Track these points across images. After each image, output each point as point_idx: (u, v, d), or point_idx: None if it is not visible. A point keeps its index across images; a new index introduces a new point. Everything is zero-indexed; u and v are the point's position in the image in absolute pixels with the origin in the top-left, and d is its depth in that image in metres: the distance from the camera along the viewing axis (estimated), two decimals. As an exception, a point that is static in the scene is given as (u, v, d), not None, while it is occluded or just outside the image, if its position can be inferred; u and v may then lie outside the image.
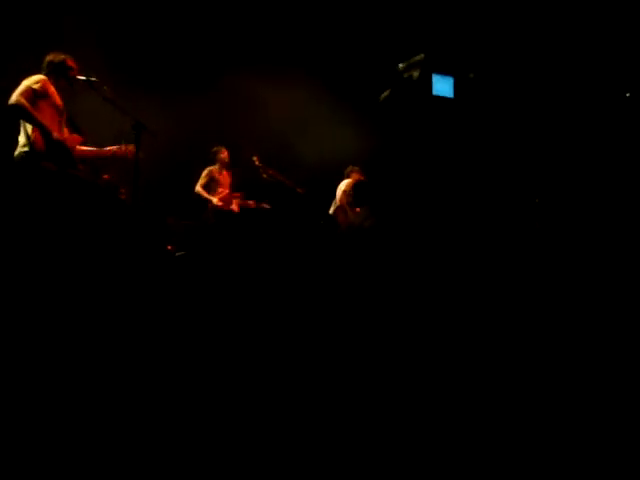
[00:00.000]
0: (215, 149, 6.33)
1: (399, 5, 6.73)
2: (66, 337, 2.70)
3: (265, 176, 6.15)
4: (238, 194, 6.32)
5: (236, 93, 6.73)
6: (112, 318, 2.91)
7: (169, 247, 4.98)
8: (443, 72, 4.33)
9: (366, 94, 7.09)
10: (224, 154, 6.31)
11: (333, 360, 2.66)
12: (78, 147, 4.06)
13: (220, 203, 6.13)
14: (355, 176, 6.71)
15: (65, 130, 3.99)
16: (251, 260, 4.43)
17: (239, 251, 5.03)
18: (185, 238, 5.39)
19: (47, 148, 3.73)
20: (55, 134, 3.73)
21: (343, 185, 6.68)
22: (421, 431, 2.12)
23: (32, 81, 3.69)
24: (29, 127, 3.73)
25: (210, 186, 6.21)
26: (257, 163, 6.13)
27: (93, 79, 3.94)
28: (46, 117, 3.75)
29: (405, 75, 4.32)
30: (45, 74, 3.86)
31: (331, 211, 6.63)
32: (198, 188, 6.18)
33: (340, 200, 6.66)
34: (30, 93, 3.64)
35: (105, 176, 4.27)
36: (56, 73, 3.90)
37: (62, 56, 3.94)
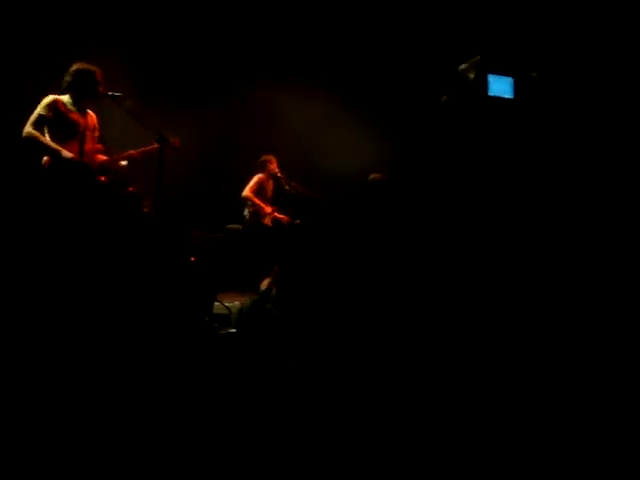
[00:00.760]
0: (265, 158, 6.00)
1: (448, 7, 6.57)
2: (92, 347, 2.72)
3: (287, 188, 6.06)
4: (272, 208, 6.04)
5: (258, 105, 6.77)
6: (135, 327, 2.93)
7: (192, 259, 4.99)
8: (502, 72, 4.29)
9: (386, 104, 7.08)
10: (274, 165, 5.98)
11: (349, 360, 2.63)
12: (99, 157, 4.12)
13: (271, 211, 5.86)
14: (377, 186, 6.68)
15: (88, 143, 4.05)
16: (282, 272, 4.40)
17: (267, 264, 5.01)
18: (209, 250, 5.39)
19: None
20: (64, 153, 3.80)
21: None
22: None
23: (41, 107, 3.84)
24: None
25: (256, 194, 5.88)
26: (279, 174, 6.01)
27: (117, 94, 4.00)
28: (59, 137, 3.86)
29: (465, 76, 4.30)
30: (65, 88, 3.95)
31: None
32: (248, 193, 5.80)
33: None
34: (40, 120, 3.82)
35: (130, 188, 4.31)
36: (80, 86, 3.96)
37: (89, 67, 3.98)
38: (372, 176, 6.86)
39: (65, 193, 3.66)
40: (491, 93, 4.27)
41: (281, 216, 6.11)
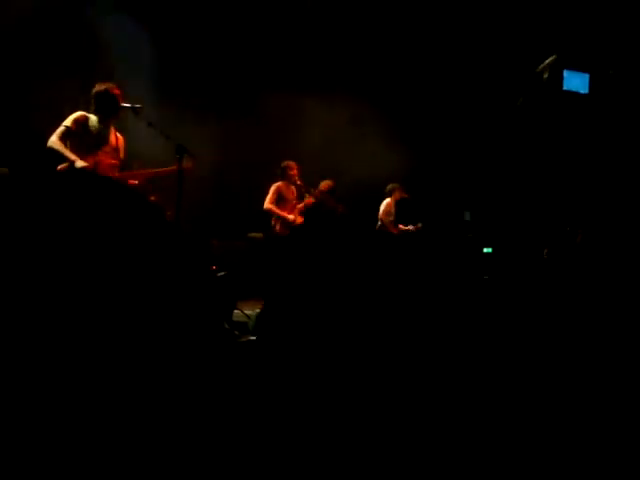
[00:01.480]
0: (285, 164, 5.93)
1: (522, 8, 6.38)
2: (112, 353, 2.77)
3: (307, 195, 6.07)
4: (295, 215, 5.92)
5: (280, 115, 6.84)
6: (155, 333, 2.98)
7: (213, 267, 5.05)
8: (578, 69, 4.31)
9: (408, 112, 7.06)
10: (294, 171, 5.92)
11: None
12: (112, 173, 4.22)
13: (293, 218, 5.82)
14: (397, 194, 6.69)
15: (107, 159, 4.18)
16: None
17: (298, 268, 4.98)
18: (230, 259, 5.44)
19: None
20: (78, 162, 3.93)
21: (384, 204, 6.68)
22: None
23: (69, 120, 4.05)
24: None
25: (277, 203, 5.82)
26: (298, 182, 5.97)
27: (137, 106, 4.12)
28: (82, 148, 4.03)
29: (540, 76, 4.34)
30: (91, 106, 4.16)
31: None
32: (269, 205, 5.76)
33: (382, 218, 6.66)
34: (64, 131, 4.02)
35: (152, 197, 4.39)
36: (102, 108, 4.18)
37: (104, 86, 4.19)
38: (390, 186, 6.87)
39: (73, 198, 3.75)
40: (566, 87, 4.29)
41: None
